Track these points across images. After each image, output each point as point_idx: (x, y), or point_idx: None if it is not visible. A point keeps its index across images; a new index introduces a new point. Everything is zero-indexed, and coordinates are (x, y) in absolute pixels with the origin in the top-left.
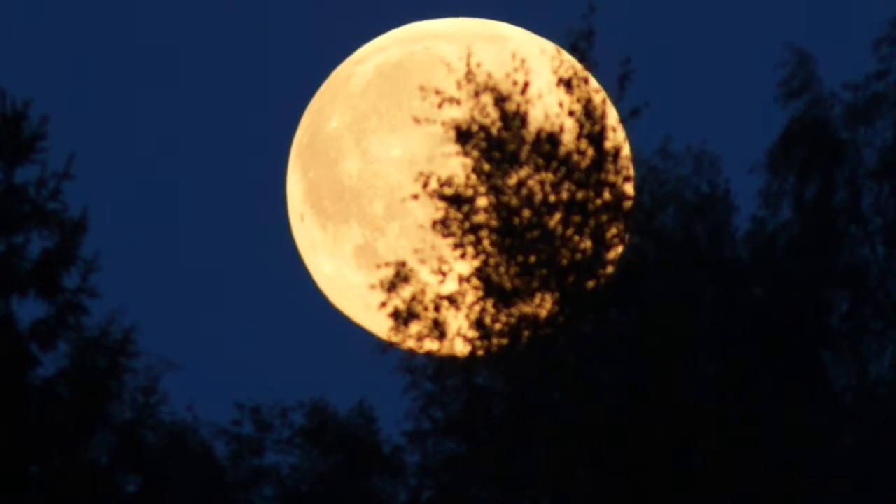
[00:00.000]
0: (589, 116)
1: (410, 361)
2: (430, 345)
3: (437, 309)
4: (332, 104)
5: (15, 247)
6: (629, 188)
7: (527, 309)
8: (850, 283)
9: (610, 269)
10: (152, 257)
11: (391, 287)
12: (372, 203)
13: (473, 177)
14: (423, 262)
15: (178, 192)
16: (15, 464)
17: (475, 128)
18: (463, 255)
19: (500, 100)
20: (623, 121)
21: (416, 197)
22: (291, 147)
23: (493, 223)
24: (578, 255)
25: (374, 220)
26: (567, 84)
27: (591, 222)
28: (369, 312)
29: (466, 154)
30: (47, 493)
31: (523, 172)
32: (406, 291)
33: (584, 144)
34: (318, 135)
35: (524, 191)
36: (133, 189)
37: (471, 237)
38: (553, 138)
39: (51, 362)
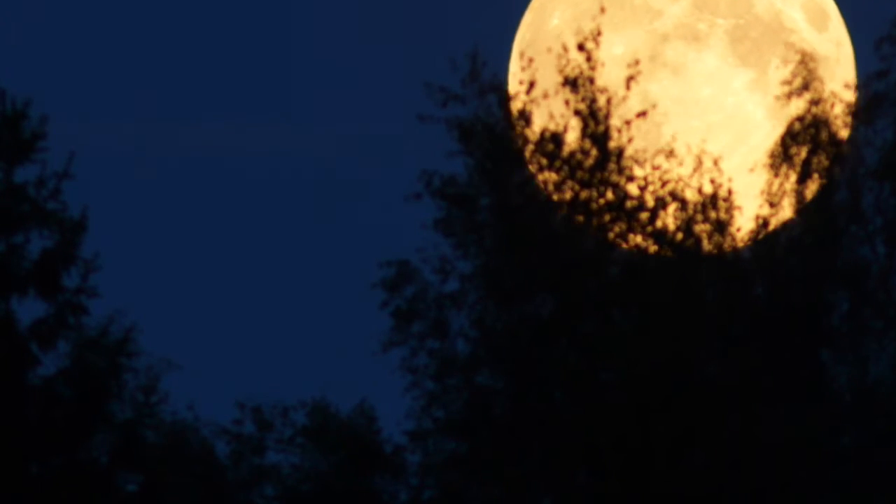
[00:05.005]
0: (593, 116)
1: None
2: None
3: (439, 308)
4: (553, 1)
5: (15, 247)
6: (632, 188)
7: (528, 309)
8: (851, 283)
9: (612, 269)
10: (152, 257)
11: (393, 286)
12: None
13: (476, 176)
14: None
15: (177, 192)
16: (15, 464)
17: (479, 127)
18: (465, 255)
19: (505, 99)
20: (628, 121)
21: (418, 196)
22: (513, 45)
23: (496, 223)
24: (580, 255)
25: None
26: (573, 84)
27: (594, 222)
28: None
29: (470, 153)
30: (47, 493)
31: (526, 172)
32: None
33: (587, 144)
34: (539, 32)
35: (527, 190)
36: (133, 189)
37: (473, 236)
38: (556, 138)
39: (51, 362)
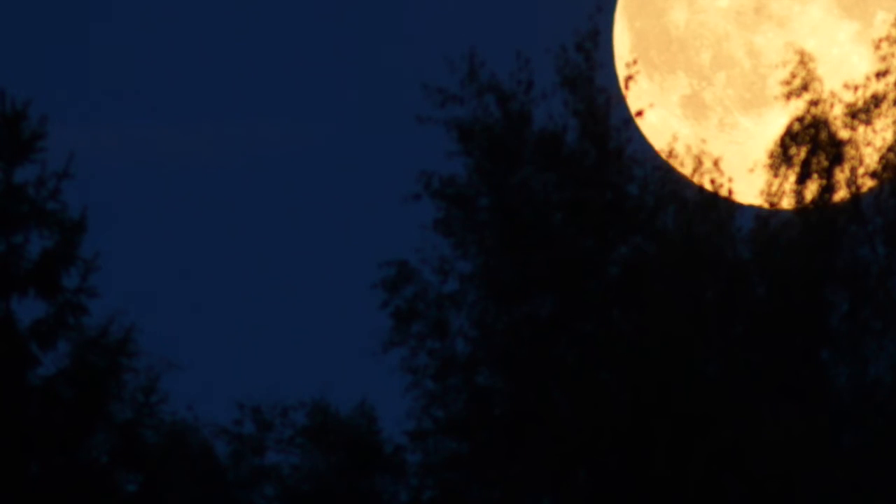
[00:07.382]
0: (593, 116)
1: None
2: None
3: (438, 308)
4: None
5: (15, 247)
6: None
7: (528, 308)
8: (850, 283)
9: (611, 270)
10: (152, 257)
11: (393, 286)
12: (699, 53)
13: (475, 176)
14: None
15: (177, 192)
16: (15, 464)
17: (478, 127)
18: (465, 255)
19: (503, 99)
20: (627, 121)
21: (417, 197)
22: (615, 19)
23: (495, 223)
24: (580, 255)
25: (701, 70)
26: (571, 84)
27: (593, 222)
28: (692, 160)
29: (469, 154)
30: (47, 493)
31: (525, 172)
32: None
33: (587, 144)
34: None
35: (525, 190)
36: (133, 189)
37: (473, 236)
38: (556, 138)
39: (51, 362)
